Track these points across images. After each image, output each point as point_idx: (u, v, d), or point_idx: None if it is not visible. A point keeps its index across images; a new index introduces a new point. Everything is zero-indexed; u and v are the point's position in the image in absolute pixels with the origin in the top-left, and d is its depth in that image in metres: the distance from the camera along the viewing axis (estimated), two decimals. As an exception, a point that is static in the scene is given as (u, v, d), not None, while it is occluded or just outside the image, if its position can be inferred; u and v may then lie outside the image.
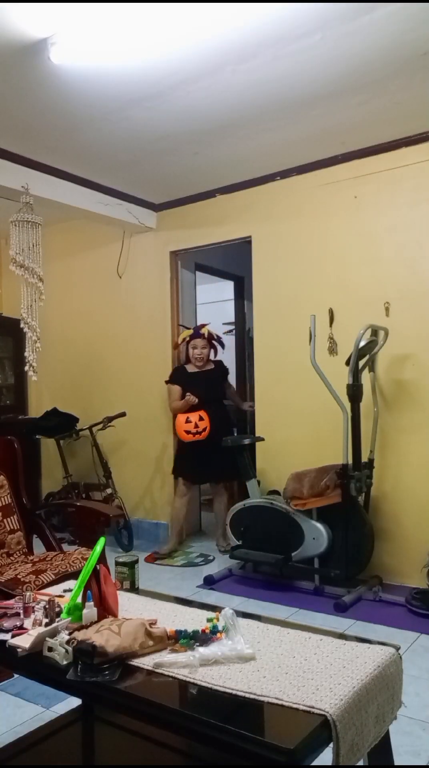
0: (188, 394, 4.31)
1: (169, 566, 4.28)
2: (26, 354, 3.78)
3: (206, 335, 4.43)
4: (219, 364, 4.59)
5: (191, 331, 4.48)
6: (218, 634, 1.53)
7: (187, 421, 4.29)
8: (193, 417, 4.29)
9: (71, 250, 5.44)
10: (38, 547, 3.08)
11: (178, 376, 4.48)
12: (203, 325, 4.50)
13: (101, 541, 1.80)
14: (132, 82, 2.98)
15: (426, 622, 3.23)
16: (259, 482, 4.10)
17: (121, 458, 5.10)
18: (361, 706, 1.33)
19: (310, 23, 2.54)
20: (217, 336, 4.55)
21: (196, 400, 4.28)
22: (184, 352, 4.59)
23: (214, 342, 4.51)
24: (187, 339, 4.46)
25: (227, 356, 5.03)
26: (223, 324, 6.06)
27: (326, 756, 1.25)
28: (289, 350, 4.20)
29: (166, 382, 4.52)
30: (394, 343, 3.71)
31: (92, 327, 5.33)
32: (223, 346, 4.59)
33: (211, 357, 4.52)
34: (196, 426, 4.26)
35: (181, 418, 4.31)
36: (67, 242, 5.43)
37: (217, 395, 4.51)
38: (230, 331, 6.08)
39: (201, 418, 4.26)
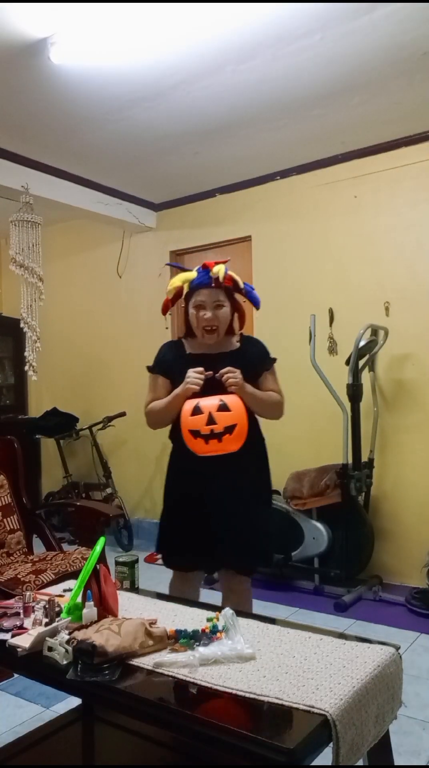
0: (192, 372, 2.19)
1: (169, 566, 4.28)
2: (26, 354, 3.79)
3: (222, 280, 2.23)
4: (252, 343, 2.42)
5: (192, 274, 2.30)
6: (218, 634, 1.53)
7: (196, 410, 2.13)
8: (208, 404, 2.13)
9: (71, 249, 5.44)
10: (38, 546, 3.08)
11: (166, 359, 2.38)
12: (217, 263, 2.27)
13: (101, 540, 1.80)
14: (132, 82, 2.98)
15: (426, 622, 3.23)
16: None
17: (121, 458, 5.10)
18: (361, 706, 1.33)
19: (310, 23, 2.54)
20: (245, 285, 2.34)
21: (210, 375, 2.18)
22: (181, 317, 2.66)
23: (238, 295, 2.34)
24: (185, 290, 2.31)
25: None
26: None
27: (326, 756, 1.25)
28: (288, 350, 4.19)
29: (149, 370, 2.41)
30: (394, 342, 3.71)
31: (92, 327, 5.32)
32: (257, 304, 2.39)
33: (236, 328, 2.40)
34: (213, 422, 2.11)
35: (187, 407, 2.16)
36: (67, 242, 5.43)
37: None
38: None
39: (223, 407, 2.12)
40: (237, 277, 2.29)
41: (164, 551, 2.44)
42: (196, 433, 2.13)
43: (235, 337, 2.39)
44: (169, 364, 2.35)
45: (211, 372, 2.17)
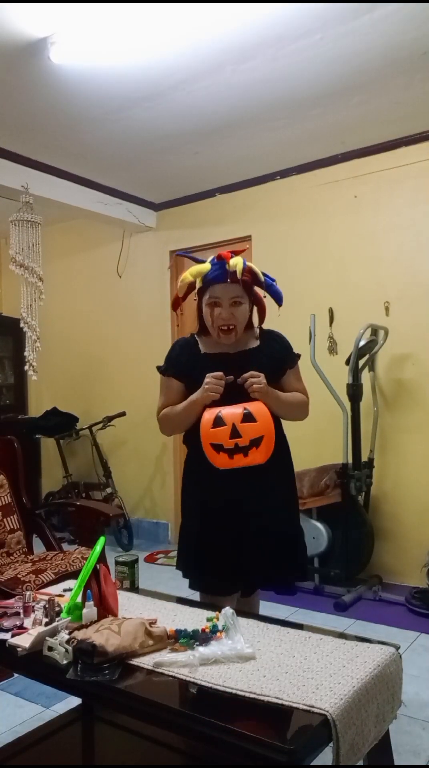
0: (211, 378, 1.96)
1: (169, 566, 4.28)
2: (26, 353, 3.79)
3: (239, 275, 1.99)
4: (273, 338, 2.20)
5: (205, 267, 2.06)
6: (218, 634, 1.53)
7: (218, 422, 1.91)
8: (231, 414, 1.92)
9: (71, 249, 5.44)
10: (38, 546, 3.08)
11: (179, 359, 2.14)
12: (235, 253, 2.05)
13: (101, 540, 1.80)
14: (132, 82, 2.98)
15: (426, 622, 3.23)
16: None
17: (121, 458, 5.10)
18: (361, 706, 1.33)
19: (310, 23, 2.54)
20: (266, 277, 2.12)
21: (231, 379, 1.96)
22: (194, 312, 2.23)
23: (258, 289, 2.13)
24: (199, 285, 2.10)
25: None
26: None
27: (326, 756, 1.25)
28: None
29: (160, 372, 2.17)
30: (393, 342, 3.71)
31: (92, 326, 5.32)
32: (280, 299, 2.15)
33: (255, 323, 2.20)
34: (238, 434, 1.90)
35: (207, 417, 1.94)
36: (67, 242, 5.43)
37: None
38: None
39: (247, 417, 1.91)
40: (256, 269, 2.06)
41: (193, 575, 2.13)
42: (218, 447, 1.89)
43: (255, 333, 2.16)
44: (182, 365, 2.10)
45: (231, 377, 1.95)
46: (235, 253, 2.03)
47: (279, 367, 2.12)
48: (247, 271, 2.01)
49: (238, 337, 2.07)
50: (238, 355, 2.07)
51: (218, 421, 1.90)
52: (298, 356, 2.19)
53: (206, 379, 1.95)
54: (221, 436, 1.89)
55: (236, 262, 1.98)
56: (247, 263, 2.02)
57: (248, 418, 1.89)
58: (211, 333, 2.07)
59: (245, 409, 1.91)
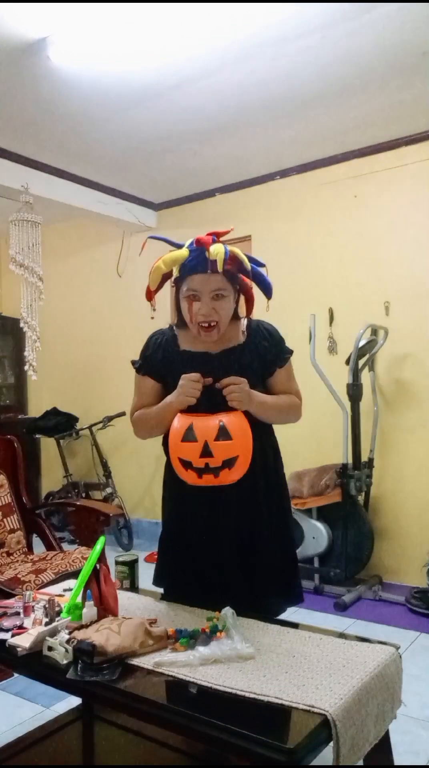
0: (187, 381, 1.76)
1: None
2: (26, 353, 3.78)
3: (220, 266, 1.73)
4: (262, 332, 1.91)
5: (181, 254, 1.80)
6: (218, 634, 1.53)
7: (188, 435, 1.71)
8: (204, 429, 1.70)
9: (71, 249, 5.44)
10: (38, 546, 3.08)
11: (154, 357, 1.93)
12: (217, 235, 1.80)
13: (101, 540, 1.80)
14: (132, 82, 2.98)
15: (426, 622, 3.23)
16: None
17: (121, 458, 5.10)
18: (361, 706, 1.33)
19: (310, 23, 2.54)
20: (253, 263, 1.84)
21: (209, 381, 1.77)
22: (172, 302, 2.07)
23: (246, 279, 1.86)
24: (175, 274, 1.84)
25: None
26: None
27: (326, 756, 1.25)
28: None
29: (135, 369, 2.01)
30: (393, 342, 3.71)
31: (92, 326, 5.32)
32: (269, 290, 1.87)
33: (242, 313, 1.93)
34: (209, 453, 1.69)
35: (177, 426, 1.76)
36: (67, 241, 5.43)
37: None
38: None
39: (222, 434, 1.68)
40: (241, 255, 1.78)
41: (166, 586, 1.98)
42: (187, 464, 1.70)
43: (241, 325, 1.90)
44: (158, 363, 1.90)
45: (210, 378, 1.75)
46: (218, 237, 1.77)
47: (268, 368, 1.89)
48: (231, 258, 1.74)
49: (221, 334, 1.81)
50: (221, 355, 1.84)
51: (189, 435, 1.68)
52: (290, 353, 1.93)
53: (181, 381, 1.74)
54: (191, 453, 1.68)
55: (217, 250, 1.71)
56: (231, 249, 1.75)
57: (223, 434, 1.66)
58: (191, 329, 1.83)
59: (220, 423, 1.67)
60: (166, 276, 1.85)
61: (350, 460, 3.59)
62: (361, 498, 3.71)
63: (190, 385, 1.74)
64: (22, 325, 3.72)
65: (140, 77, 2.94)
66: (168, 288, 1.95)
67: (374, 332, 3.69)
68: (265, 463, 1.88)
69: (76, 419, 5.19)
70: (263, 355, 1.87)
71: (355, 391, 3.61)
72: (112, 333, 5.18)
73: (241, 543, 1.84)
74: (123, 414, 4.79)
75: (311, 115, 3.38)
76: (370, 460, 3.75)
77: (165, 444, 1.91)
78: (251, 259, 1.82)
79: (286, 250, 4.22)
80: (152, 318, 1.99)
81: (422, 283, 3.68)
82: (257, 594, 1.84)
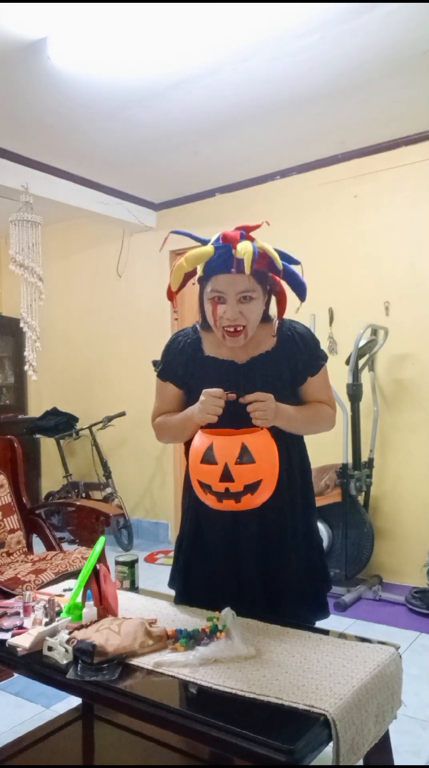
0: (209, 397, 1.60)
1: (169, 566, 4.28)
2: (26, 353, 3.79)
3: (248, 268, 1.56)
4: (294, 336, 1.78)
5: (207, 251, 1.64)
6: (218, 634, 1.53)
7: (208, 456, 1.56)
8: (225, 450, 1.54)
9: (71, 249, 5.44)
10: (38, 546, 3.08)
11: (177, 362, 1.80)
12: (246, 230, 1.65)
13: (101, 540, 1.80)
14: (132, 82, 2.98)
15: (426, 622, 3.23)
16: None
17: (121, 458, 5.10)
18: (361, 706, 1.33)
19: (309, 23, 2.54)
20: (285, 261, 1.71)
21: (233, 397, 1.60)
22: (199, 306, 1.77)
23: (277, 278, 1.73)
24: (199, 274, 1.69)
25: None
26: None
27: (326, 756, 1.25)
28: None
29: (156, 373, 1.84)
30: (393, 342, 3.71)
31: (92, 326, 5.32)
32: (303, 291, 1.73)
33: (273, 315, 1.80)
34: (230, 477, 1.53)
35: (197, 445, 1.61)
36: (67, 241, 5.43)
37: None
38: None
39: (244, 457, 1.53)
40: (273, 252, 1.63)
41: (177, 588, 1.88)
42: (207, 488, 1.56)
43: (272, 328, 1.74)
44: (180, 369, 1.76)
45: (233, 394, 1.59)
46: (247, 232, 1.62)
47: (299, 376, 1.75)
48: (260, 256, 1.59)
49: (248, 339, 1.67)
50: (248, 364, 1.70)
51: (209, 456, 1.53)
52: (325, 359, 1.80)
53: (202, 398, 1.59)
54: (210, 477, 1.54)
55: (245, 249, 1.55)
56: (260, 246, 1.60)
57: (246, 456, 1.51)
58: (216, 333, 1.68)
59: (243, 445, 1.52)
60: (189, 275, 1.69)
61: (350, 460, 3.59)
62: (361, 498, 3.71)
63: (211, 401, 1.57)
64: (22, 325, 3.73)
65: (140, 77, 2.94)
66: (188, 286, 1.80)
67: (374, 332, 3.69)
68: (291, 470, 1.75)
69: (76, 419, 5.19)
70: (294, 363, 1.73)
71: (355, 391, 3.61)
72: (112, 333, 5.18)
73: (261, 551, 1.73)
74: (123, 414, 4.80)
75: (311, 115, 3.38)
76: (370, 460, 3.75)
77: (187, 453, 1.78)
78: (283, 256, 1.67)
79: (286, 250, 4.21)
80: (176, 319, 1.86)
81: (422, 283, 3.68)
82: (277, 604, 1.74)
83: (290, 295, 1.74)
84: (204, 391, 1.60)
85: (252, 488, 1.53)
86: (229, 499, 1.54)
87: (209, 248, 1.62)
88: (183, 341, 1.79)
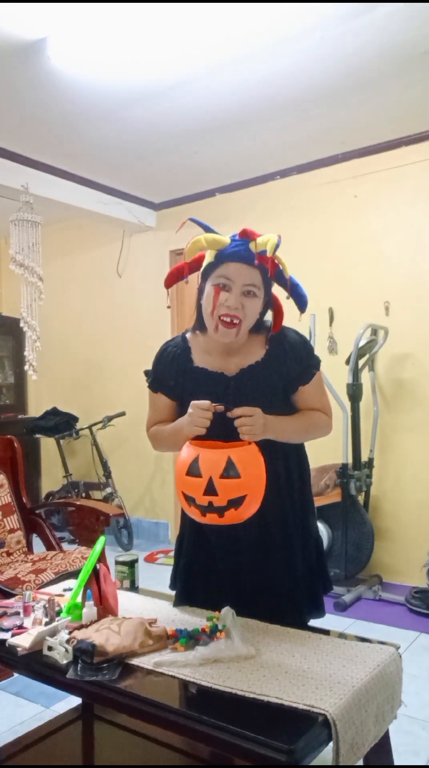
0: (197, 410, 1.60)
1: (169, 565, 4.28)
2: (26, 353, 3.79)
3: (271, 252, 1.62)
4: (284, 344, 1.75)
5: (223, 239, 1.65)
6: (218, 634, 1.53)
7: (193, 469, 1.54)
8: (210, 463, 1.53)
9: (71, 249, 5.44)
10: (38, 546, 3.08)
11: (166, 373, 1.79)
12: (250, 233, 1.65)
13: (101, 540, 1.80)
14: (131, 82, 2.98)
15: (426, 621, 3.23)
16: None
17: (121, 457, 5.10)
18: (361, 706, 1.33)
19: (310, 23, 2.54)
20: (290, 277, 1.75)
21: (221, 409, 1.59)
22: (197, 299, 1.74)
23: (275, 297, 1.76)
24: (208, 260, 1.66)
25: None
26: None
27: (326, 756, 1.25)
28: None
29: (148, 384, 1.83)
30: (393, 342, 3.71)
31: (92, 326, 5.33)
32: (304, 303, 1.79)
33: (267, 328, 1.77)
34: (214, 491, 1.51)
35: (183, 457, 1.58)
36: (67, 241, 5.43)
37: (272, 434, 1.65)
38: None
39: (229, 471, 1.51)
40: (283, 262, 1.68)
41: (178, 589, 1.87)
42: (190, 500, 1.54)
43: (263, 339, 1.73)
44: (171, 380, 1.76)
45: (222, 406, 1.58)
46: (253, 233, 1.65)
47: (292, 385, 1.72)
48: (272, 261, 1.62)
49: (239, 338, 1.65)
50: (238, 376, 1.68)
51: (193, 469, 1.52)
52: (317, 367, 1.76)
53: (190, 410, 1.59)
54: (195, 490, 1.52)
55: (267, 238, 1.59)
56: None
57: (231, 470, 1.49)
58: (208, 324, 1.65)
59: (229, 459, 1.50)
60: (196, 262, 1.68)
61: (350, 460, 3.59)
62: (361, 498, 3.71)
63: (199, 414, 1.57)
64: (22, 325, 3.73)
65: (140, 77, 2.94)
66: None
67: (374, 332, 3.69)
68: (289, 470, 1.75)
69: (76, 419, 5.19)
70: (285, 372, 1.70)
71: (355, 391, 3.61)
72: (112, 333, 5.19)
73: (260, 551, 1.73)
74: (123, 414, 4.80)
75: (311, 115, 3.38)
76: (370, 460, 3.75)
77: None
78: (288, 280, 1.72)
79: (286, 250, 4.19)
80: (169, 307, 1.82)
81: (422, 283, 3.68)
82: (276, 603, 1.73)
83: (290, 307, 1.76)
84: (192, 403, 1.59)
85: (236, 503, 1.51)
86: (213, 513, 1.52)
87: (227, 239, 1.63)
88: (172, 352, 1.78)
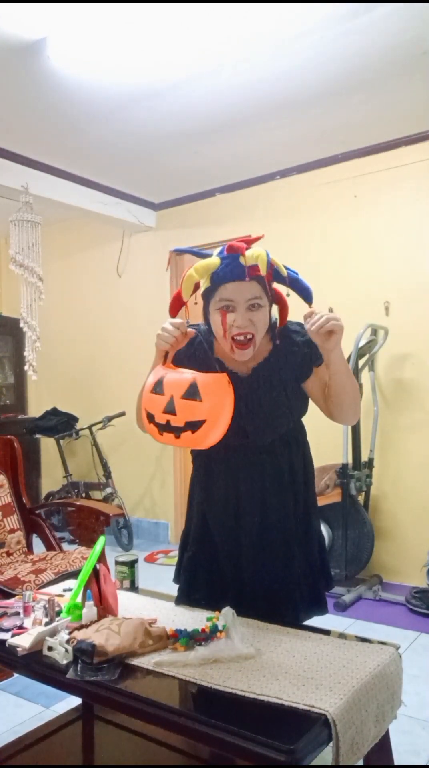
0: (168, 325, 1.64)
1: (169, 566, 4.29)
2: (26, 353, 3.79)
3: (264, 269, 1.62)
4: (289, 334, 1.76)
5: (214, 262, 1.63)
6: (218, 634, 1.53)
7: (157, 387, 1.58)
8: (174, 383, 1.56)
9: (71, 249, 5.44)
10: (38, 546, 3.08)
11: (195, 354, 1.77)
12: (247, 243, 1.65)
13: (101, 540, 1.80)
14: (131, 82, 2.98)
15: (426, 621, 3.23)
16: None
17: (121, 458, 5.10)
18: (361, 706, 1.33)
19: (309, 22, 2.54)
20: (289, 271, 1.69)
21: (193, 333, 1.68)
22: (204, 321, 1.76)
23: (275, 288, 1.73)
24: (205, 285, 1.67)
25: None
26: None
27: (326, 756, 1.25)
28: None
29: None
30: (393, 342, 3.71)
31: (92, 326, 5.33)
32: (309, 295, 1.68)
33: (274, 323, 1.76)
34: (172, 410, 1.54)
35: (152, 376, 1.62)
36: (67, 241, 5.43)
37: (280, 431, 1.73)
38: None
39: (191, 392, 1.53)
40: (278, 262, 1.65)
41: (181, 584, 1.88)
42: (150, 417, 1.57)
43: (268, 336, 1.72)
44: (193, 362, 1.71)
45: (193, 330, 1.66)
46: (248, 245, 1.62)
47: (303, 373, 1.72)
48: (269, 269, 1.63)
49: (254, 352, 1.65)
50: (251, 376, 1.70)
51: (158, 387, 1.56)
52: (315, 352, 1.71)
53: (163, 325, 1.60)
54: (156, 406, 1.55)
55: (257, 254, 1.58)
56: (271, 258, 1.63)
57: (193, 392, 1.50)
58: (224, 347, 1.66)
59: (194, 381, 1.52)
60: (195, 288, 1.66)
61: (350, 460, 3.59)
62: (361, 498, 3.71)
63: (170, 330, 1.59)
64: (22, 325, 3.73)
65: (140, 77, 2.94)
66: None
67: (374, 332, 3.69)
68: (293, 468, 1.75)
69: (76, 419, 5.19)
70: (296, 362, 1.71)
71: (355, 391, 3.61)
72: (111, 333, 5.19)
73: (263, 548, 1.73)
74: (123, 414, 4.79)
75: (311, 115, 3.38)
76: (370, 460, 3.75)
77: (192, 451, 1.82)
78: (285, 266, 1.69)
79: (286, 250, 4.21)
80: (188, 325, 1.74)
81: (422, 283, 3.68)
82: (278, 601, 1.74)
83: (296, 305, 1.75)
84: (169, 320, 1.62)
85: (193, 426, 1.51)
86: (170, 432, 1.53)
87: (215, 260, 1.63)
88: (198, 337, 1.76)
